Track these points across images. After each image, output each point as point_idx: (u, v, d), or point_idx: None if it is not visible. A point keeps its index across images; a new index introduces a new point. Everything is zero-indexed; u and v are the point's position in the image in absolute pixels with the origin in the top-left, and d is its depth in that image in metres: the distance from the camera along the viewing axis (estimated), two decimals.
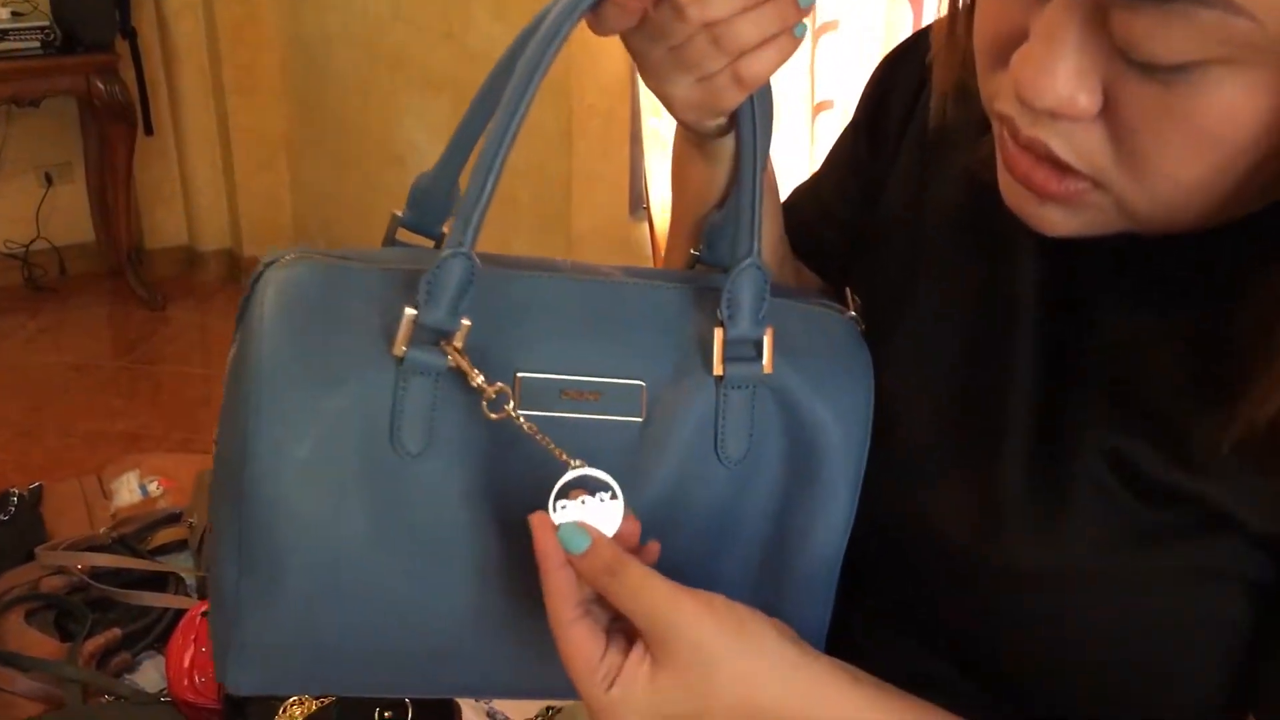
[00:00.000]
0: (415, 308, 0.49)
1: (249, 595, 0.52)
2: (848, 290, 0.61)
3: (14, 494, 1.59)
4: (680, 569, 0.50)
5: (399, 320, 0.49)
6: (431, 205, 0.57)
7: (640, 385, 0.54)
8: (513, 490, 0.52)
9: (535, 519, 0.48)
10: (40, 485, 1.64)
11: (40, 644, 1.25)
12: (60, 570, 1.35)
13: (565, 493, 0.49)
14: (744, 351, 0.54)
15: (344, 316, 0.51)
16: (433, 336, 0.50)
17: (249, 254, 3.51)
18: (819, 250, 0.71)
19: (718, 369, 0.54)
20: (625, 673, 0.47)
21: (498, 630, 0.54)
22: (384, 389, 0.51)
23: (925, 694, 0.51)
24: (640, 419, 0.54)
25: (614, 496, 0.49)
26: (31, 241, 3.38)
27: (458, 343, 0.50)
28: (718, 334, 0.54)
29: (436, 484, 0.52)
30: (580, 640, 0.47)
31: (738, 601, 0.49)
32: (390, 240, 0.58)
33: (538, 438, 0.50)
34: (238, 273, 3.54)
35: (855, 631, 0.60)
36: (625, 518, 0.49)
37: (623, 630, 0.49)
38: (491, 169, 0.49)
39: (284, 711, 1.10)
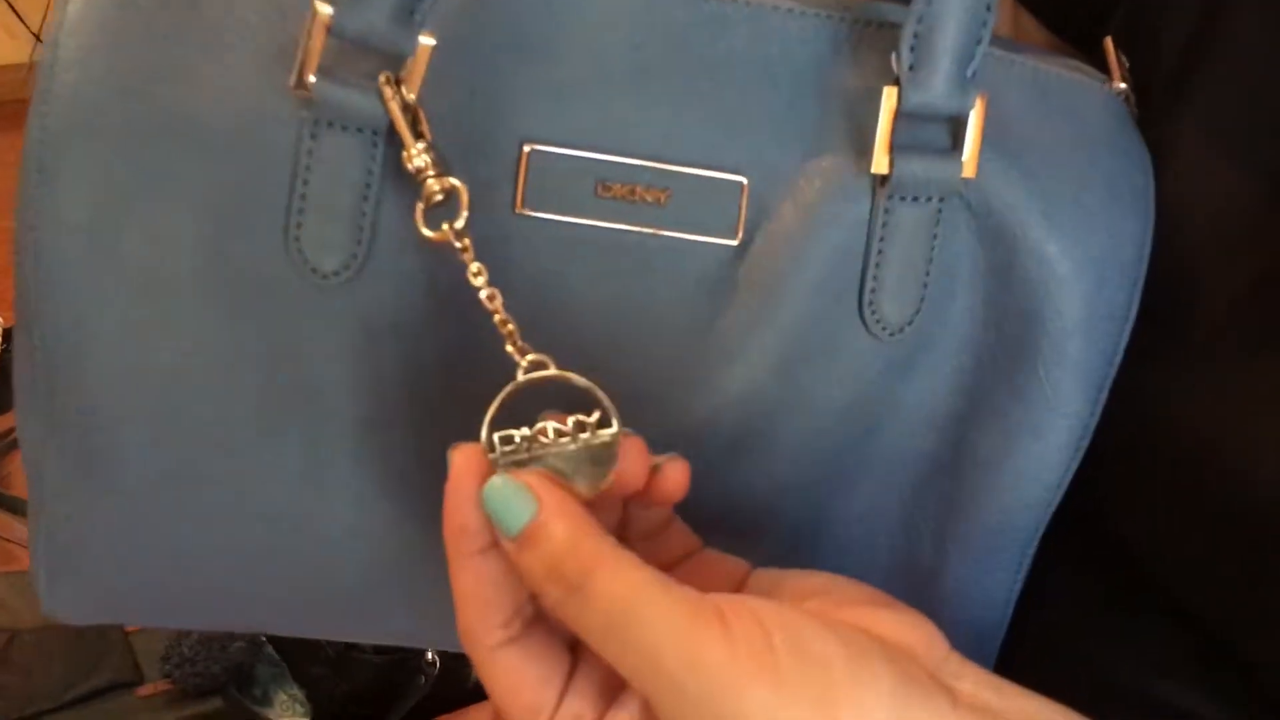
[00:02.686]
0: (333, 4, 0.27)
1: (58, 475, 0.32)
2: (1108, 43, 0.35)
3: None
4: (777, 504, 0.28)
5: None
6: None
7: (739, 182, 0.31)
8: (494, 359, 0.29)
9: (458, 457, 0.25)
10: None
11: None
12: None
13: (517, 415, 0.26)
14: (931, 136, 0.31)
15: (213, 19, 0.28)
16: (369, 64, 0.28)
17: None
18: None
19: (880, 163, 0.30)
20: None
21: (434, 569, 0.32)
22: (279, 154, 0.28)
23: None
24: (734, 242, 0.31)
25: (603, 424, 0.26)
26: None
27: (410, 79, 0.28)
28: (888, 97, 0.30)
29: (365, 330, 0.30)
30: (509, 676, 0.25)
31: (857, 582, 0.26)
32: None
33: (482, 294, 0.27)
34: None
35: (1055, 615, 0.37)
36: (634, 452, 0.26)
37: None
38: None
39: None
